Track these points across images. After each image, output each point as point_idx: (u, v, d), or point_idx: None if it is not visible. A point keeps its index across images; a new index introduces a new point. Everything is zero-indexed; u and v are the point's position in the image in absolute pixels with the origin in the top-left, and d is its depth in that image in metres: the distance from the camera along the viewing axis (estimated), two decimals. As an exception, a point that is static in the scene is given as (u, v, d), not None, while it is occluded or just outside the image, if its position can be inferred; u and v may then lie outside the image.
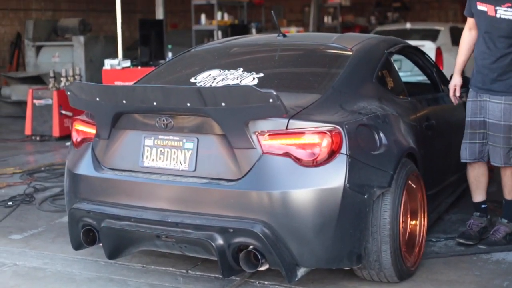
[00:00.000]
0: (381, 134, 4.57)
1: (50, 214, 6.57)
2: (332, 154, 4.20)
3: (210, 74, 5.04)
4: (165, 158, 4.46)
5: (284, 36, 5.81)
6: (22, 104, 14.02)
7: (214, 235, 4.20)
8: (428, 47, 13.40)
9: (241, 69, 5.04)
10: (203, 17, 15.53)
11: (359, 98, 4.80)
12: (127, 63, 9.91)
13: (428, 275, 4.80)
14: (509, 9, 5.15)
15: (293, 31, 17.05)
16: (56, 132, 11.08)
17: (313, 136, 4.20)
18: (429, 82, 6.62)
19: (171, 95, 4.27)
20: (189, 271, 4.91)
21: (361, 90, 4.94)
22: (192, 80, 5.03)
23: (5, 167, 8.79)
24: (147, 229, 4.41)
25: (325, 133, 4.20)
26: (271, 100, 4.00)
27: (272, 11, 6.76)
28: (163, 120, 4.40)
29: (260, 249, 4.17)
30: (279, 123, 4.19)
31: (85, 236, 4.67)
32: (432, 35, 14.29)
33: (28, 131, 11.35)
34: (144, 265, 5.06)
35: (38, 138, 11.24)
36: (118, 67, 9.71)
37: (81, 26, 15.27)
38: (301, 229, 4.17)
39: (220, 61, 5.47)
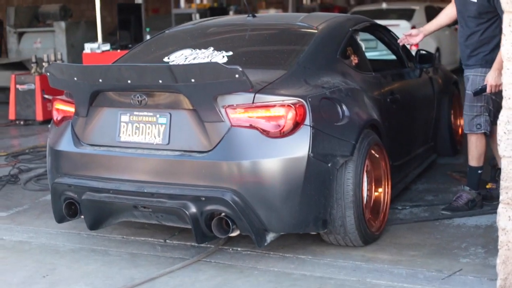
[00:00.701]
0: (344, 107, 4.82)
1: (34, 193, 6.81)
2: (296, 125, 4.45)
3: (182, 54, 5.30)
4: (140, 133, 4.71)
5: (254, 16, 6.07)
6: (4, 90, 14.13)
7: (188, 203, 4.46)
8: (403, 26, 13.74)
9: (212, 48, 5.29)
10: (182, 0, 15.74)
11: (323, 73, 5.05)
12: (107, 46, 10.12)
13: (392, 240, 5.09)
14: None
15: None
16: (39, 116, 11.28)
17: (278, 109, 4.44)
18: (395, 58, 6.89)
19: (144, 73, 4.51)
20: (167, 241, 5.18)
21: (325, 66, 5.18)
22: (165, 59, 5.29)
23: (-10, 151, 9.01)
24: (125, 200, 4.67)
25: (290, 106, 4.44)
26: (237, 75, 4.25)
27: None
28: (138, 97, 4.63)
29: (230, 215, 4.42)
30: (246, 97, 4.44)
31: (67, 209, 4.91)
32: (407, 15, 14.60)
33: (12, 116, 11.54)
34: (124, 236, 5.32)
35: (22, 122, 11.42)
36: (98, 51, 9.91)
37: (62, 12, 15.44)
38: (269, 196, 4.43)
39: (192, 41, 5.71)
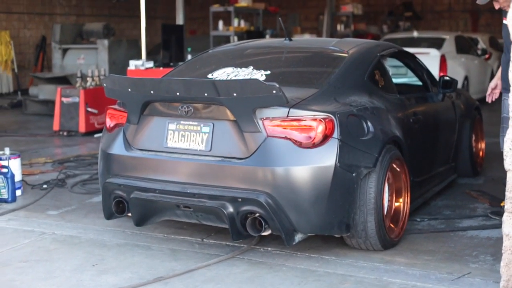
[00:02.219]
0: (369, 123, 5.31)
1: (81, 196, 7.37)
2: (325, 138, 4.96)
3: (224, 71, 5.85)
4: (185, 140, 5.24)
5: (290, 40, 6.61)
6: (48, 103, 14.88)
7: (226, 204, 4.97)
8: (433, 55, 14.18)
9: (252, 67, 5.84)
10: (220, 23, 16.36)
11: (351, 93, 5.56)
12: (150, 64, 10.70)
13: (409, 246, 5.57)
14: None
15: (306, 38, 17.85)
16: (82, 128, 11.90)
17: (310, 122, 4.96)
18: (420, 83, 7.43)
19: (191, 87, 5.04)
20: (204, 240, 5.70)
21: (353, 87, 5.69)
22: (209, 76, 5.84)
23: (37, 157, 9.61)
24: (169, 199, 5.19)
25: (320, 120, 4.96)
26: (274, 91, 4.78)
27: (279, 18, 7.71)
28: (185, 108, 5.18)
29: (264, 216, 4.93)
30: (282, 111, 4.97)
31: (116, 206, 5.45)
32: (437, 43, 15.03)
33: (56, 126, 12.17)
34: (165, 235, 5.85)
35: (65, 133, 12.05)
36: (142, 68, 10.49)
37: (105, 30, 16.14)
38: (299, 200, 4.92)
39: (233, 60, 6.28)
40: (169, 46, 11.42)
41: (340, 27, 21.45)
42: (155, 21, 23.97)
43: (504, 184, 4.88)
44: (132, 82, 5.34)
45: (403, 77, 13.36)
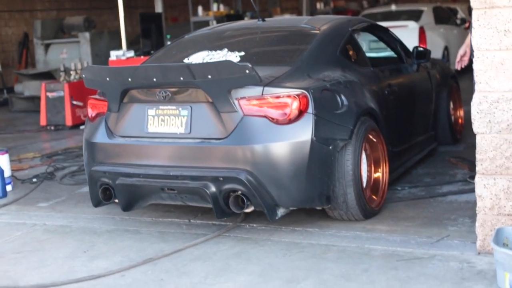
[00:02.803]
0: (343, 97, 5.45)
1: (70, 187, 7.51)
2: (300, 113, 5.09)
3: (200, 55, 5.98)
4: (165, 124, 5.37)
5: (264, 20, 6.72)
6: (34, 99, 14.97)
7: (208, 183, 5.12)
8: (412, 27, 14.35)
9: (226, 50, 5.97)
10: (200, 9, 16.44)
11: (324, 68, 5.70)
12: (131, 53, 10.83)
13: (390, 214, 5.73)
14: None
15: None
16: (69, 121, 12.02)
17: (284, 99, 5.09)
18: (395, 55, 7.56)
19: (167, 72, 5.16)
20: (191, 220, 5.85)
21: (326, 62, 5.82)
22: (185, 60, 5.96)
23: (25, 153, 9.74)
24: (153, 183, 5.33)
25: (294, 96, 5.09)
26: (247, 71, 4.91)
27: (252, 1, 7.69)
28: (162, 93, 5.31)
29: (245, 193, 5.07)
30: (256, 90, 5.10)
31: (103, 193, 5.60)
32: (415, 16, 15.18)
33: (43, 122, 12.28)
34: (153, 218, 6.00)
35: (52, 127, 12.18)
36: (123, 58, 10.63)
37: (86, 23, 16.19)
38: (278, 175, 5.07)
39: (208, 44, 6.38)
40: (149, 34, 11.53)
41: (319, 5, 21.55)
42: (136, 11, 23.96)
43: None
44: (110, 71, 5.47)
45: (383, 51, 13.51)
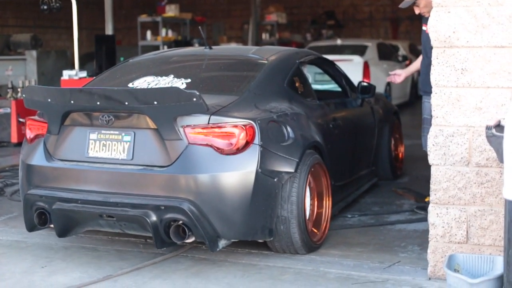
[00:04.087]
0: (289, 129, 5.42)
1: (20, 203, 7.47)
2: (246, 144, 5.03)
3: (145, 80, 5.86)
4: (107, 149, 5.23)
5: (211, 48, 6.64)
6: (-23, 114, 14.78)
7: (148, 212, 4.97)
8: (356, 61, 14.70)
9: (172, 76, 5.86)
10: (148, 33, 16.58)
11: (271, 99, 5.67)
12: (84, 73, 10.86)
13: (342, 240, 5.94)
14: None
15: (233, 47, 18.20)
16: (14, 138, 11.92)
17: (231, 129, 5.02)
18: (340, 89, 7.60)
19: (112, 96, 5.03)
20: (148, 240, 5.92)
21: (273, 93, 5.78)
22: (130, 85, 5.83)
23: (-29, 168, 9.66)
24: (92, 209, 5.16)
25: (241, 127, 5.02)
26: (194, 99, 4.81)
27: (199, 27, 7.86)
28: (105, 117, 5.17)
29: (187, 223, 4.95)
30: (202, 118, 5.00)
31: (38, 218, 5.38)
32: (360, 50, 15.57)
33: (-13, 138, 12.17)
34: (110, 237, 6.06)
35: (-3, 144, 12.07)
36: (76, 77, 10.65)
37: (33, 41, 16.09)
38: (221, 206, 4.99)
39: (154, 69, 6.25)
40: (102, 55, 11.59)
41: (265, 36, 21.88)
42: (81, 31, 23.94)
43: (429, 181, 5.30)
44: (51, 92, 5.27)
45: (328, 83, 13.84)
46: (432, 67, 4.75)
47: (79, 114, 5.33)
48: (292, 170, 5.30)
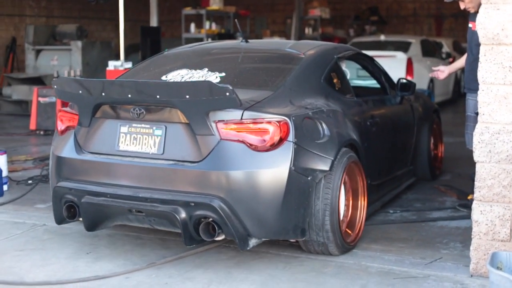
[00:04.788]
0: (324, 126, 5.26)
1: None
2: (280, 141, 4.88)
3: (179, 73, 5.74)
4: (137, 143, 5.13)
5: (247, 41, 6.47)
6: (22, 103, 15.07)
7: (178, 208, 4.85)
8: (400, 58, 14.64)
9: (207, 69, 5.73)
10: (192, 26, 16.67)
11: (307, 95, 5.50)
12: (129, 64, 10.95)
13: (384, 235, 5.95)
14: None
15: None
16: (59, 127, 12.10)
17: (264, 125, 4.87)
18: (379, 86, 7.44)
19: (144, 89, 4.90)
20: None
21: (309, 89, 5.62)
22: (163, 77, 5.72)
23: (17, 155, 9.84)
24: (121, 204, 5.06)
25: (275, 123, 4.88)
26: (227, 93, 4.66)
27: (236, 20, 7.69)
28: (137, 110, 5.06)
29: (217, 221, 4.82)
30: (235, 114, 4.86)
31: (67, 211, 5.33)
32: (404, 47, 15.50)
33: (33, 126, 12.38)
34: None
35: (42, 132, 12.27)
36: (121, 68, 10.74)
37: (78, 32, 16.37)
38: (252, 204, 4.84)
39: (189, 62, 6.12)
40: (146, 47, 11.70)
41: (308, 31, 21.86)
42: (125, 23, 24.11)
43: (472, 179, 5.30)
44: (83, 84, 5.17)
45: (370, 79, 13.80)
46: (479, 64, 4.73)
47: (110, 106, 5.23)
48: (327, 169, 5.16)
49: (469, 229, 5.83)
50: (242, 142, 4.87)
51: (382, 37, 16.66)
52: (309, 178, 5.08)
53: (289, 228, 5.04)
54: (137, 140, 5.15)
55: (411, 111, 7.49)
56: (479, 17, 4.73)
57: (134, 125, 5.17)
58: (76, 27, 16.47)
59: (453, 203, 7.03)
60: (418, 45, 15.88)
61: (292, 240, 5.32)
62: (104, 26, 25.16)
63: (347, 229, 5.53)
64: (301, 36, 20.85)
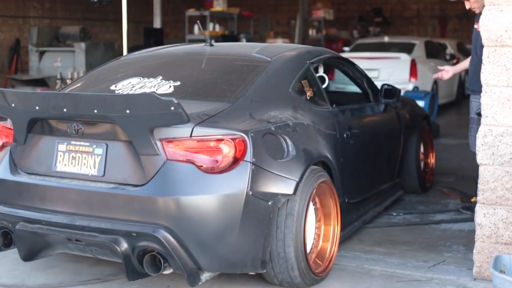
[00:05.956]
0: (289, 142, 4.67)
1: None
2: (235, 161, 4.30)
3: (130, 82, 5.15)
4: (76, 163, 4.56)
5: (211, 45, 5.86)
6: (25, 104, 15.02)
7: (119, 238, 4.30)
8: (404, 59, 14.60)
9: (161, 77, 5.15)
10: (196, 27, 16.65)
11: (271, 107, 4.90)
12: (132, 66, 10.95)
13: (387, 237, 5.93)
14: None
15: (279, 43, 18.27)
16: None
17: (216, 143, 4.30)
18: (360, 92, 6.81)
19: (80, 102, 4.34)
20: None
21: (274, 99, 5.02)
22: (112, 87, 5.12)
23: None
24: (57, 232, 4.50)
25: (229, 140, 4.31)
26: (172, 108, 4.08)
27: (197, 21, 7.03)
28: (74, 126, 4.49)
29: (162, 253, 4.28)
30: (184, 130, 4.28)
31: (2, 238, 4.76)
32: (407, 48, 15.45)
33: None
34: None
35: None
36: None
37: (81, 33, 16.34)
38: (203, 234, 4.25)
39: (144, 69, 5.55)
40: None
41: (312, 32, 21.85)
42: (129, 24, 24.09)
43: (475, 181, 5.28)
44: (16, 97, 4.60)
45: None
46: (482, 66, 4.71)
47: (46, 121, 4.66)
48: (290, 192, 4.55)
49: (473, 232, 5.80)
50: (192, 162, 4.29)
51: (386, 39, 16.62)
52: (269, 203, 4.46)
53: (247, 260, 4.45)
54: (76, 159, 4.58)
55: (396, 119, 6.88)
56: (482, 18, 4.71)
57: (73, 142, 4.60)
58: (79, 28, 16.45)
59: (456, 206, 7.02)
60: (422, 46, 15.84)
61: (251, 273, 4.69)
62: (107, 28, 25.15)
63: (316, 259, 4.95)
64: (305, 37, 20.84)
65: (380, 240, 5.83)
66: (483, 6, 4.78)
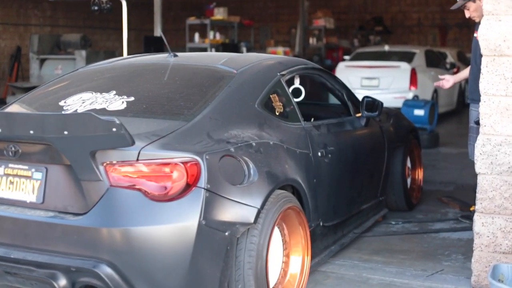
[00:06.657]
0: (251, 165, 4.25)
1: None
2: (187, 187, 3.88)
3: (81, 97, 4.73)
4: (14, 188, 4.15)
5: (175, 56, 5.43)
6: (25, 112, 15.05)
7: (57, 274, 3.92)
8: (404, 68, 14.64)
9: (114, 92, 4.72)
10: (196, 35, 16.71)
11: (233, 125, 4.47)
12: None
13: (385, 246, 5.92)
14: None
15: (280, 52, 18.30)
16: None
17: (165, 168, 3.88)
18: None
19: (15, 122, 3.91)
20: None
21: (237, 116, 4.60)
22: (61, 103, 4.70)
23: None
24: None
25: (179, 164, 3.89)
26: (114, 129, 3.66)
27: (161, 33, 6.73)
28: (11, 148, 4.05)
29: None
30: (130, 153, 3.86)
31: None
32: (408, 57, 15.50)
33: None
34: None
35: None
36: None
37: (82, 41, 16.42)
38: (150, 270, 3.85)
39: (97, 82, 5.14)
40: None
41: (312, 41, 21.89)
42: (129, 32, 24.15)
43: (475, 190, 5.28)
44: None
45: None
46: (481, 76, 4.72)
47: None
48: (250, 221, 4.11)
49: (471, 241, 5.79)
50: (138, 189, 3.86)
51: (386, 47, 16.65)
52: (226, 234, 4.02)
53: None
54: (14, 184, 4.15)
55: (380, 133, 6.41)
56: (481, 28, 4.72)
57: (10, 165, 4.15)
58: (80, 36, 16.53)
59: (455, 215, 7.01)
60: (422, 55, 15.88)
61: None
62: (108, 36, 25.21)
63: None
64: (305, 46, 20.88)
65: (378, 249, 5.83)
66: (483, 15, 4.80)
